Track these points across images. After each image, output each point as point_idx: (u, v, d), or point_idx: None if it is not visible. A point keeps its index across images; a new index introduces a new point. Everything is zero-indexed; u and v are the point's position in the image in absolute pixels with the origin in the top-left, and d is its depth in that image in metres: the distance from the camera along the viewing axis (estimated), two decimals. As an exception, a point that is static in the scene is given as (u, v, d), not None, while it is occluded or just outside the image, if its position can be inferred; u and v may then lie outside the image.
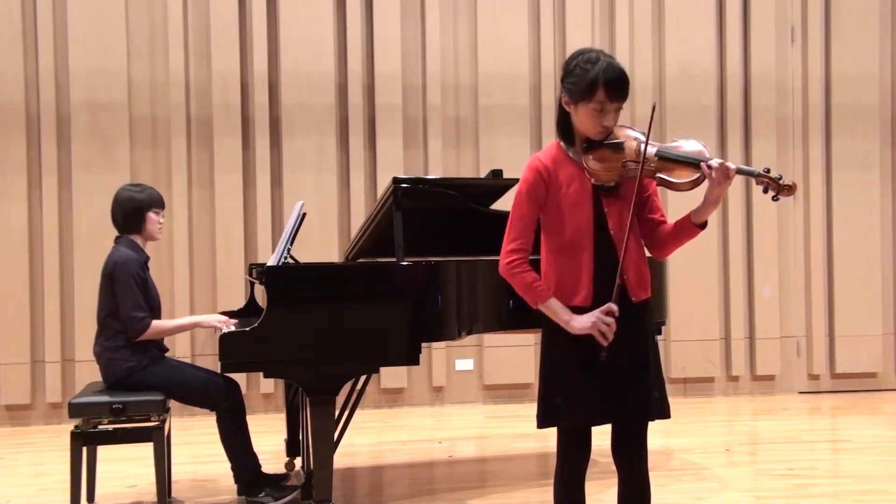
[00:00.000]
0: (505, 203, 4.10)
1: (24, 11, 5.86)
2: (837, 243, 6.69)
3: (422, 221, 3.74)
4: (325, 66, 6.18)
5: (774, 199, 2.54)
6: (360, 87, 6.22)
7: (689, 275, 6.30)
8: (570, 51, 6.29)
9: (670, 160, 2.53)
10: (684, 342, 6.47)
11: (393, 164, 6.17)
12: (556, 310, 2.53)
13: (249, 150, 6.13)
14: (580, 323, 2.49)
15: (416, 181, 3.73)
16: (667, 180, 2.53)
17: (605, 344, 2.46)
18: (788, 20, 6.69)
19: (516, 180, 4.06)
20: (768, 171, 2.52)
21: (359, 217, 6.03)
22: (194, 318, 4.05)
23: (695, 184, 2.52)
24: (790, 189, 2.51)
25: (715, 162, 2.46)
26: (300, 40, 6.15)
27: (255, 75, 6.10)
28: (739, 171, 2.48)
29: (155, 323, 3.82)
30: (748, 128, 6.61)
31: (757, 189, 2.52)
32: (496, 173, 4.11)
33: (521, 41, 6.41)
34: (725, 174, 2.45)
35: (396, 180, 3.61)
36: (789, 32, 6.70)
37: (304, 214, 4.02)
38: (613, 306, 2.46)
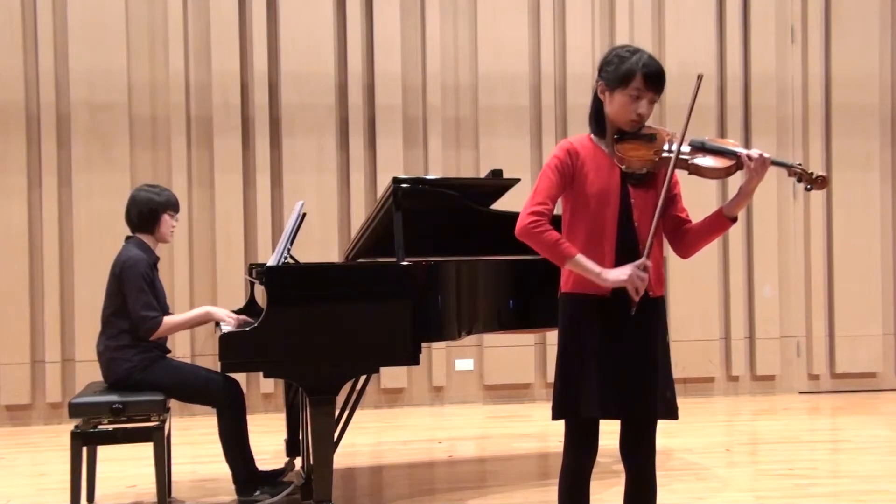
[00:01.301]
0: (505, 203, 4.13)
1: (24, 11, 5.86)
2: (837, 243, 6.69)
3: (422, 221, 3.74)
4: (325, 66, 6.18)
5: (808, 189, 2.61)
6: (360, 87, 6.22)
7: (689, 275, 6.30)
8: (570, 51, 6.41)
9: (704, 149, 2.58)
10: (684, 342, 6.46)
11: (393, 164, 6.16)
12: (585, 265, 2.51)
13: (249, 150, 6.13)
14: (614, 275, 2.48)
15: (416, 181, 3.73)
16: (700, 167, 2.57)
17: (636, 298, 2.47)
18: (788, 20, 6.69)
19: (517, 180, 4.11)
20: (800, 164, 2.60)
21: (359, 217, 6.03)
22: (204, 307, 4.01)
23: (728, 172, 2.57)
24: (824, 181, 2.57)
25: (755, 152, 2.51)
26: (300, 40, 6.14)
27: (255, 75, 6.10)
28: (774, 163, 2.54)
29: (166, 320, 3.82)
30: (748, 128, 6.61)
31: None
32: (496, 173, 4.11)
33: (521, 41, 6.41)
34: (763, 164, 2.49)
35: (396, 180, 3.62)
36: (789, 32, 6.70)
37: (304, 214, 4.02)
38: (648, 262, 2.48)
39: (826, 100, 6.71)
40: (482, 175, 5.21)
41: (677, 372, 6.91)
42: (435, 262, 3.58)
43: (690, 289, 6.38)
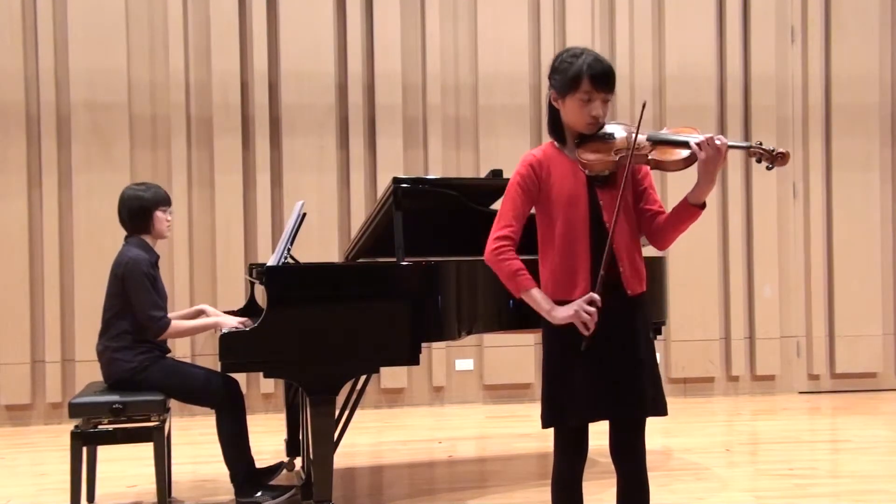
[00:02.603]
0: (505, 203, 4.12)
1: (24, 11, 5.86)
2: (837, 243, 6.69)
3: (422, 221, 3.74)
4: (325, 66, 6.18)
5: (769, 168, 2.55)
6: (360, 87, 6.22)
7: (689, 275, 6.29)
8: (570, 51, 6.37)
9: (661, 142, 2.55)
10: (684, 342, 6.47)
11: (393, 164, 6.17)
12: (538, 300, 2.53)
13: (249, 150, 6.13)
14: (562, 312, 2.49)
15: (416, 181, 3.74)
16: (660, 161, 2.55)
17: (586, 334, 2.46)
18: (788, 20, 6.69)
19: (515, 180, 4.09)
20: (761, 143, 2.54)
21: (359, 217, 6.03)
22: (213, 318, 3.98)
23: (687, 162, 2.52)
24: (783, 157, 2.51)
25: (702, 137, 2.47)
26: (300, 40, 6.15)
27: (255, 75, 6.10)
28: (731, 146, 2.50)
29: (175, 324, 3.82)
30: (748, 128, 6.60)
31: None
32: (496, 173, 4.11)
33: (521, 41, 6.41)
34: (715, 148, 2.45)
35: (396, 180, 3.62)
36: (789, 32, 6.70)
37: (304, 214, 4.02)
38: (595, 296, 2.46)
39: (826, 100, 6.71)
40: (482, 175, 5.21)
41: (677, 372, 6.93)
42: (435, 262, 3.58)
43: (690, 289, 6.38)
